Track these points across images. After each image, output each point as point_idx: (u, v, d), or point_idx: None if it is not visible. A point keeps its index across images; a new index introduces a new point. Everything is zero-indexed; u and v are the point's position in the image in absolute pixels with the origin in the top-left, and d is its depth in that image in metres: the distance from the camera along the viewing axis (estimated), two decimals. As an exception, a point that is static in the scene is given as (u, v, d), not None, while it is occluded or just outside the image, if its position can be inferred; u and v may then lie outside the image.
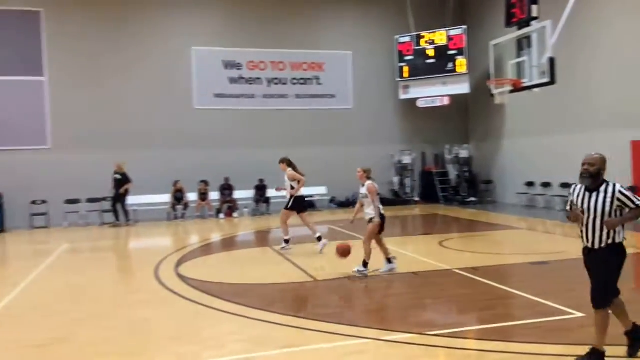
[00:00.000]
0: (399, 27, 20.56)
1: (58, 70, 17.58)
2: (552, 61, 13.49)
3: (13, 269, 11.34)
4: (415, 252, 10.72)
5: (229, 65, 19.48)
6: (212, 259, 11.29)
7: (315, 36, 20.36)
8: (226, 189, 18.65)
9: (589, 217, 4.49)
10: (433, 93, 20.32)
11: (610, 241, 4.43)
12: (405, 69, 20.65)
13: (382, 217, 8.43)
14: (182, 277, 8.89)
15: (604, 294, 4.47)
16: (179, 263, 10.18)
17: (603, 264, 4.46)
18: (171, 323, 6.44)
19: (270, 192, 18.80)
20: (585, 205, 4.50)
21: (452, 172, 21.32)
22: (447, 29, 20.08)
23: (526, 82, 14.40)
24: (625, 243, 4.52)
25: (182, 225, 17.07)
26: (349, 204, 19.33)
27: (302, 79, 20.30)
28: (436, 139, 21.36)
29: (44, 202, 16.94)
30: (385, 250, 8.67)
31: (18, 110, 17.23)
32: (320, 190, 19.74)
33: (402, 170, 21.00)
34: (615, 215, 4.43)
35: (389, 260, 8.64)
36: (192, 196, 18.28)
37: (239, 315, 6.59)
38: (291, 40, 19.97)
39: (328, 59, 20.49)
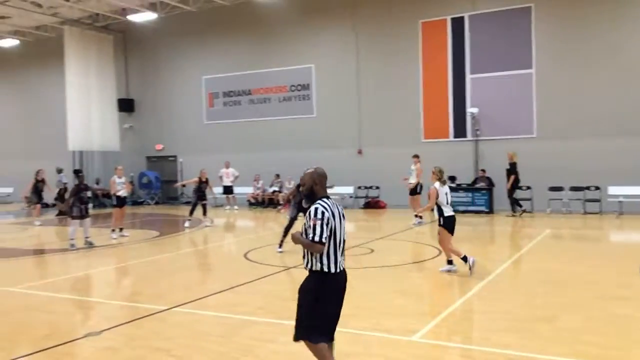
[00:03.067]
0: None
1: (544, 62, 18.13)
2: None
3: (498, 247, 12.61)
4: None
5: None
6: None
7: None
8: None
9: None
10: None
11: (315, 267, 4.17)
12: None
13: (446, 220, 8.65)
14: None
15: (298, 325, 4.22)
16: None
17: (301, 292, 4.27)
18: (658, 327, 5.94)
19: None
20: None
21: None
22: None
23: None
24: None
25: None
26: None
27: None
28: None
29: (528, 187, 17.93)
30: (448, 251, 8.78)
31: (508, 102, 18.72)
32: None
33: None
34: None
35: (464, 259, 8.60)
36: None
37: None
38: None
39: None
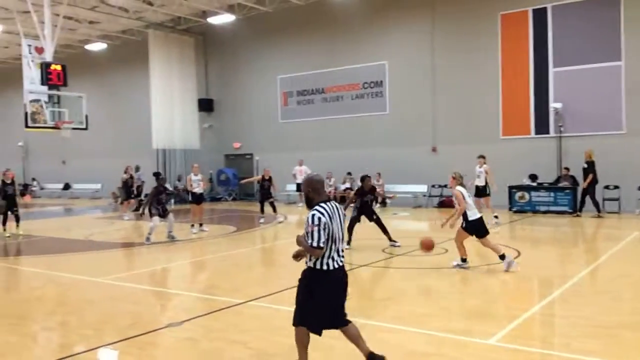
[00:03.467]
0: None
1: (635, 53, 17.00)
2: None
3: (582, 249, 11.97)
4: None
5: None
6: None
7: None
8: None
9: None
10: None
11: (310, 264, 4.55)
12: None
13: (470, 222, 8.84)
14: None
15: (296, 313, 4.66)
16: None
17: (299, 283, 4.67)
18: None
19: None
20: None
21: None
22: None
23: None
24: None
25: None
26: None
27: None
28: None
29: (616, 187, 16.89)
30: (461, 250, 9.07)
31: (594, 96, 17.70)
32: None
33: None
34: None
35: (463, 260, 9.07)
36: None
37: None
38: None
39: None
